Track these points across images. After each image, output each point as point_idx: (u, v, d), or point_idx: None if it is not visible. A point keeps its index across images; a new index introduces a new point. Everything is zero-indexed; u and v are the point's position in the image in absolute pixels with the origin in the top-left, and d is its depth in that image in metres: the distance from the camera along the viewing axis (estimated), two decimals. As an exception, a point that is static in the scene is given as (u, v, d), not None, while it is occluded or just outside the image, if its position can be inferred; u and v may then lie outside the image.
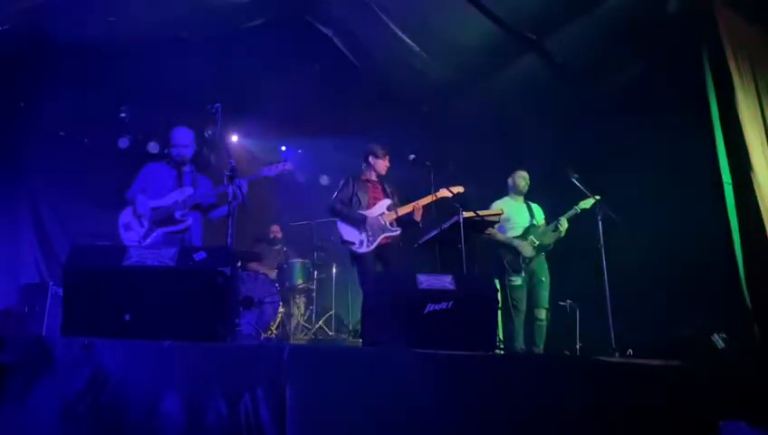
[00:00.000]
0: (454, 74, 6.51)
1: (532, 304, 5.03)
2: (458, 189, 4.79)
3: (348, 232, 4.71)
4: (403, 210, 4.77)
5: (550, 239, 5.11)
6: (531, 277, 5.06)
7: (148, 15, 5.95)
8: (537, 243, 5.06)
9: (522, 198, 5.36)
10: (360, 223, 4.69)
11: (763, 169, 4.31)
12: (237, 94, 6.29)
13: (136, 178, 4.36)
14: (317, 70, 7.14)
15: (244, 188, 4.01)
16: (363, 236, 4.66)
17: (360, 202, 4.79)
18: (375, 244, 4.65)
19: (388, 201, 4.84)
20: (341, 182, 4.96)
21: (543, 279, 5.07)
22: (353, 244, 4.68)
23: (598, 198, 4.86)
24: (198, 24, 6.39)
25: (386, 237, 4.70)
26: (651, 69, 5.20)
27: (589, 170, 5.13)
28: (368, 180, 4.94)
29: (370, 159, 4.93)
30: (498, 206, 5.22)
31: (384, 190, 4.94)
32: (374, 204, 4.82)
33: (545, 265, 5.16)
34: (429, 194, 4.78)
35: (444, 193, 4.76)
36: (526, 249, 5.05)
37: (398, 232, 4.74)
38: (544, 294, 5.06)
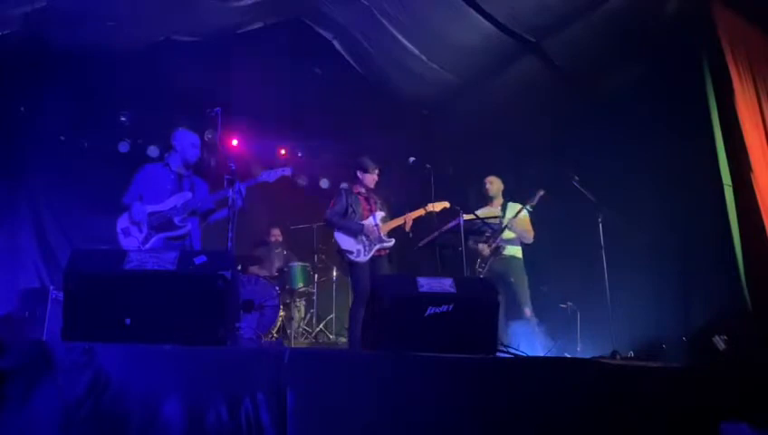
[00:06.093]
0: (453, 77, 6.52)
1: (516, 306, 5.02)
2: (444, 204, 4.95)
3: (346, 242, 4.77)
4: (395, 223, 4.87)
5: (509, 235, 5.14)
6: (498, 280, 4.88)
7: (148, 20, 5.96)
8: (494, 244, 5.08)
9: (498, 203, 5.36)
10: (357, 233, 4.76)
11: (763, 170, 4.31)
12: (237, 98, 6.30)
13: (132, 181, 4.23)
14: (317, 73, 7.15)
15: (243, 192, 4.00)
16: (360, 245, 4.74)
17: (354, 213, 4.85)
18: (371, 253, 4.74)
19: (381, 213, 4.90)
20: (336, 195, 5.02)
21: (513, 280, 5.05)
22: (351, 253, 4.74)
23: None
24: (198, 28, 6.40)
25: (380, 249, 4.79)
26: (650, 70, 5.20)
27: (588, 172, 5.14)
28: (358, 193, 4.98)
29: (359, 173, 4.96)
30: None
31: (375, 202, 4.99)
32: (368, 216, 4.87)
33: (513, 264, 5.16)
34: (423, 204, 4.93)
35: (432, 207, 4.91)
36: (485, 251, 5.09)
37: (392, 243, 4.82)
38: (520, 293, 5.05)
